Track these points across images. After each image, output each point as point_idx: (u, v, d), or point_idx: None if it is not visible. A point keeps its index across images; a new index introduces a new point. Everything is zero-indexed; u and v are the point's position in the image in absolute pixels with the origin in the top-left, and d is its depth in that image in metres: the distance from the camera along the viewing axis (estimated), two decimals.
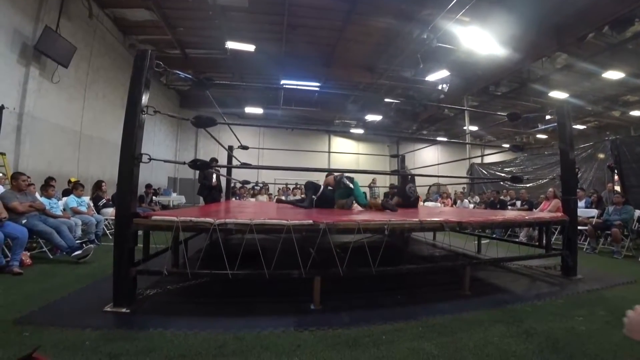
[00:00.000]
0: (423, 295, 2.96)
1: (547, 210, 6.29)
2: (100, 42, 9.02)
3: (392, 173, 5.85)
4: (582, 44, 8.96)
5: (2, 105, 5.89)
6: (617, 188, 7.10)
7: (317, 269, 2.59)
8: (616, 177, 7.21)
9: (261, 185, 13.40)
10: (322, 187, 4.42)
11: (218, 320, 2.26)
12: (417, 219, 2.89)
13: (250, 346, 1.90)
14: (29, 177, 4.54)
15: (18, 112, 6.37)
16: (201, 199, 7.39)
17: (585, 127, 18.20)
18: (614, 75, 10.95)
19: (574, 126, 15.06)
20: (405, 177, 5.69)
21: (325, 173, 4.86)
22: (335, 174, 4.52)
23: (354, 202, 4.30)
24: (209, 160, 6.09)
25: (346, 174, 4.37)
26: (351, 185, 4.22)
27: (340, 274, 2.52)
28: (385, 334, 2.09)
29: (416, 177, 5.38)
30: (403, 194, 5.22)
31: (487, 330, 2.17)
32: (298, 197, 8.71)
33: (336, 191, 4.35)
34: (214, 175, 6.85)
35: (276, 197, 10.27)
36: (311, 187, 4.46)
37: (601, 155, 8.18)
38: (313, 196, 4.33)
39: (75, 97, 8.23)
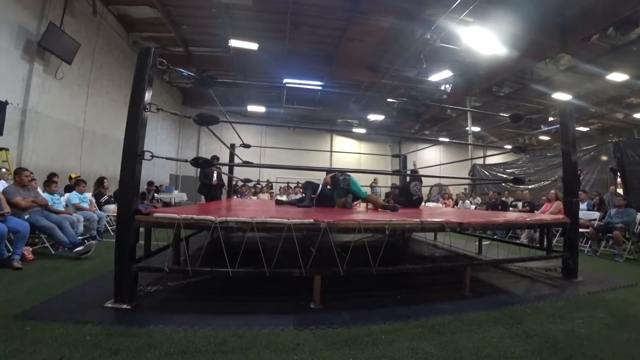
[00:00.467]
0: (423, 295, 2.96)
1: (549, 212, 6.27)
2: (103, 39, 9.05)
3: (394, 173, 5.85)
4: (586, 45, 8.92)
5: (6, 101, 5.93)
6: (620, 191, 7.07)
7: (317, 268, 2.60)
8: (619, 179, 7.19)
9: (265, 183, 13.39)
10: (320, 186, 4.42)
11: (218, 317, 2.27)
12: (418, 219, 2.89)
13: (250, 344, 1.91)
14: (31, 172, 4.56)
15: (22, 108, 6.40)
16: (202, 197, 7.39)
17: (588, 129, 18.13)
18: (618, 77, 10.90)
19: (577, 128, 14.97)
20: (411, 175, 5.67)
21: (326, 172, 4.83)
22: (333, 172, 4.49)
23: (352, 200, 4.29)
24: (210, 158, 6.09)
25: (341, 173, 4.33)
26: (343, 186, 4.20)
27: (341, 273, 2.52)
28: (384, 334, 2.10)
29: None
30: (407, 191, 5.20)
31: (486, 331, 2.18)
32: (299, 196, 8.72)
33: (334, 190, 4.34)
34: (215, 174, 6.82)
35: (276, 196, 10.23)
36: (309, 186, 4.45)
37: (604, 158, 8.15)
38: (312, 195, 4.33)
39: (79, 93, 8.26)
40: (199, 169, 7.04)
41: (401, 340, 2.02)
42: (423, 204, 6.18)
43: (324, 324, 2.19)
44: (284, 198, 7.17)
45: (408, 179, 5.56)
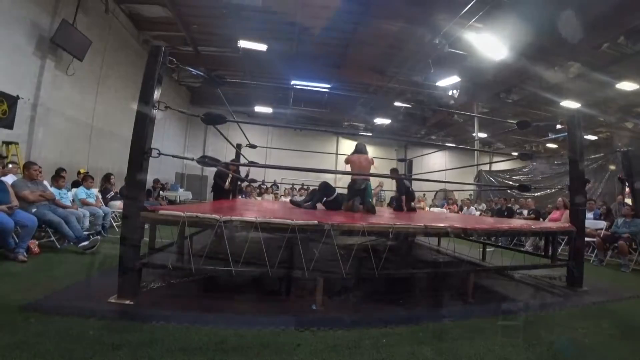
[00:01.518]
0: (425, 300, 2.95)
1: (561, 222, 6.19)
2: (115, 37, 9.15)
3: (397, 177, 5.91)
4: (596, 53, 8.84)
5: (17, 95, 6.02)
6: (628, 200, 6.98)
7: (320, 270, 2.59)
8: (627, 189, 7.10)
9: (271, 184, 13.40)
10: (336, 190, 4.40)
11: (219, 316, 2.28)
12: (421, 224, 2.88)
13: (250, 343, 1.91)
14: (40, 167, 4.62)
15: (32, 103, 6.49)
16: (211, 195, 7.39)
17: (596, 137, 17.93)
18: (628, 86, 10.77)
19: (585, 136, 14.84)
20: (399, 176, 5.69)
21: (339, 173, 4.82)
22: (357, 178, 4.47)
23: (360, 204, 4.29)
24: (231, 160, 6.09)
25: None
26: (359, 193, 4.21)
27: (343, 276, 2.52)
28: (385, 337, 2.09)
29: (424, 182, 5.39)
30: (408, 191, 5.20)
31: (488, 338, 2.16)
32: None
33: (348, 194, 4.34)
34: (229, 179, 6.68)
35: (291, 197, 10.20)
36: (322, 188, 4.42)
37: (612, 167, 8.06)
38: (325, 198, 4.32)
39: (89, 90, 8.36)
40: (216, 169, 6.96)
41: (402, 344, 2.01)
42: (428, 209, 6.16)
43: (325, 325, 2.19)
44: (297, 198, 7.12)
45: (401, 180, 5.59)
